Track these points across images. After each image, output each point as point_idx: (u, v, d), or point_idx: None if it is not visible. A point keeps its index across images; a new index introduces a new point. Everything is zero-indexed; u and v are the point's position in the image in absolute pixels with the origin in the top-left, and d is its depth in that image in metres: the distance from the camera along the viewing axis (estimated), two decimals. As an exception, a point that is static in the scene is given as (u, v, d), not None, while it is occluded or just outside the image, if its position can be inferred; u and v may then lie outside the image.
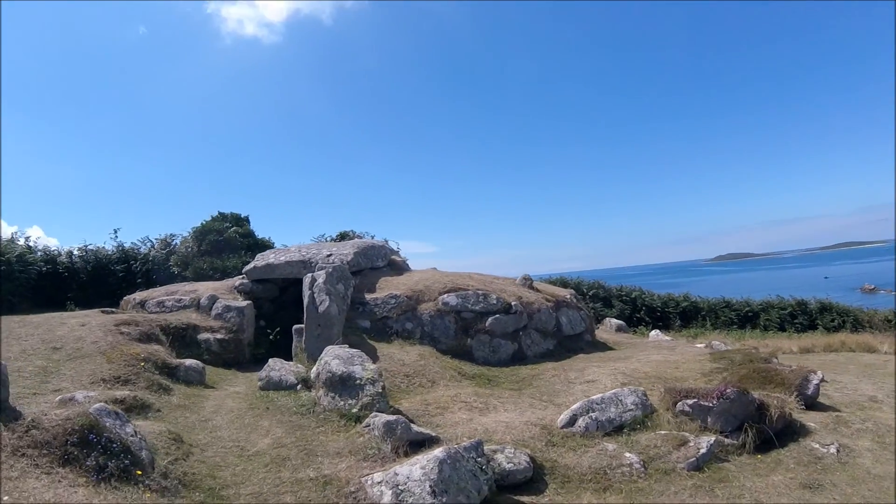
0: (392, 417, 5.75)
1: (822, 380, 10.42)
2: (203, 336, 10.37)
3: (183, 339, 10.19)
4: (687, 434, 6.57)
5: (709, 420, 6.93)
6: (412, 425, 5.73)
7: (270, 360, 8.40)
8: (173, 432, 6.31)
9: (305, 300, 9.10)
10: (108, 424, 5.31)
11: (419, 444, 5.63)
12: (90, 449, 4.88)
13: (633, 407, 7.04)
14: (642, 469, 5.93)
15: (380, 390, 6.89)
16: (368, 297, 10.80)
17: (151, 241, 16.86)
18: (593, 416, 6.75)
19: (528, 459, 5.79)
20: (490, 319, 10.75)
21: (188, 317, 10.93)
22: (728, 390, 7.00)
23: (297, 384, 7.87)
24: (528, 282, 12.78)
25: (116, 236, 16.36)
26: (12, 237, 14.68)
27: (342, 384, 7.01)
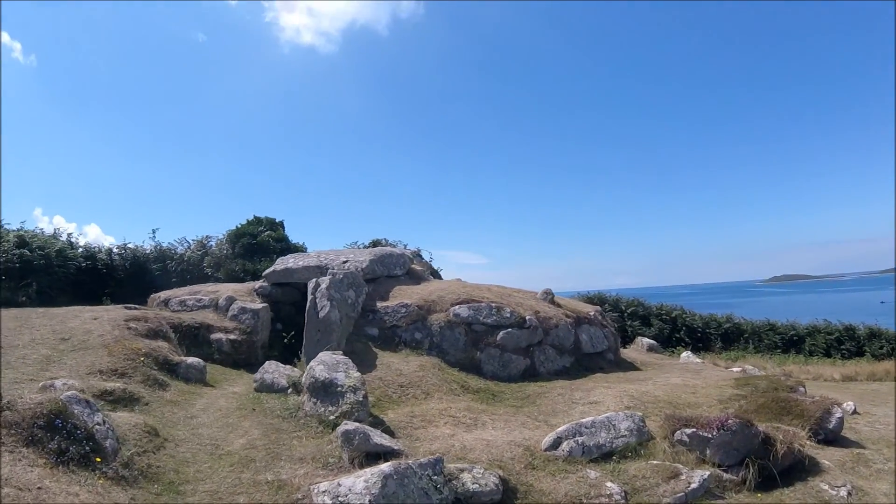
0: (352, 427, 5.57)
1: (855, 411, 9.72)
2: (216, 336, 10.52)
3: (195, 338, 10.36)
4: (680, 466, 6.11)
5: (707, 452, 6.42)
6: (372, 437, 5.53)
7: (266, 362, 8.42)
8: (150, 426, 6.38)
9: (307, 305, 9.11)
10: (76, 412, 5.42)
11: (378, 456, 5.44)
12: (55, 433, 5.09)
13: (626, 433, 6.61)
14: (622, 501, 5.52)
15: (360, 399, 6.76)
16: (380, 305, 10.70)
17: (188, 242, 17.44)
18: (580, 441, 6.36)
19: (497, 481, 5.48)
20: (502, 333, 10.42)
21: (205, 316, 11.12)
22: (730, 421, 6.47)
23: (287, 388, 7.83)
24: (548, 296, 12.42)
25: (154, 236, 17.00)
26: (54, 233, 15.45)
27: (324, 390, 6.91)
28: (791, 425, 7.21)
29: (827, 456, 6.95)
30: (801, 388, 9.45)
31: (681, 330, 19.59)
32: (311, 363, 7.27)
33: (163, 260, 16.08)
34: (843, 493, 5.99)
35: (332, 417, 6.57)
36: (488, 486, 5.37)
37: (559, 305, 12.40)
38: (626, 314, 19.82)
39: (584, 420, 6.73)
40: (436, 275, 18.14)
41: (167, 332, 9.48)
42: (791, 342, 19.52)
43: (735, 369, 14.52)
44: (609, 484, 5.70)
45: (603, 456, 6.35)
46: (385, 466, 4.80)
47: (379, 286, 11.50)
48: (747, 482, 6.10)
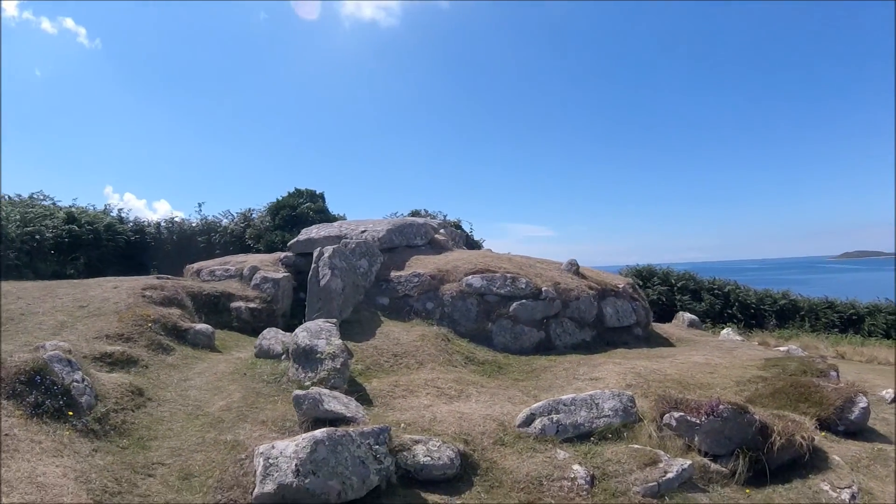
0: (302, 393, 5.56)
1: (894, 399, 8.89)
2: (236, 304, 10.81)
3: (216, 306, 10.68)
4: (661, 453, 5.64)
5: (696, 439, 5.91)
6: (323, 403, 5.46)
7: (266, 329, 8.56)
8: (135, 386, 6.64)
9: (310, 273, 9.21)
10: (55, 369, 5.74)
11: (329, 422, 5.42)
12: (33, 388, 5.49)
13: (610, 413, 6.21)
14: (586, 486, 5.19)
15: (338, 366, 6.75)
16: (393, 274, 10.65)
17: (232, 215, 18.00)
18: (554, 419, 6.04)
19: (453, 455, 5.31)
20: (515, 304, 10.14)
21: (228, 285, 11.43)
22: (721, 406, 5.92)
23: (282, 354, 7.96)
24: (573, 267, 12.01)
25: (200, 210, 17.68)
26: (105, 209, 16.35)
27: (305, 357, 6.95)
28: (806, 414, 6.77)
29: (841, 450, 6.36)
30: (834, 373, 8.61)
31: (733, 305, 18.55)
32: (297, 330, 7.34)
33: (207, 232, 16.71)
34: (846, 495, 5.41)
35: (307, 383, 6.62)
36: (441, 460, 5.22)
37: (584, 277, 11.98)
38: (675, 288, 19.02)
39: (563, 397, 6.39)
40: (475, 245, 18.00)
41: (182, 300, 9.82)
42: (850, 321, 18.14)
43: (781, 348, 13.67)
44: (576, 466, 5.38)
45: (580, 436, 6.01)
46: (318, 432, 4.71)
47: (396, 256, 11.46)
48: (736, 475, 5.60)
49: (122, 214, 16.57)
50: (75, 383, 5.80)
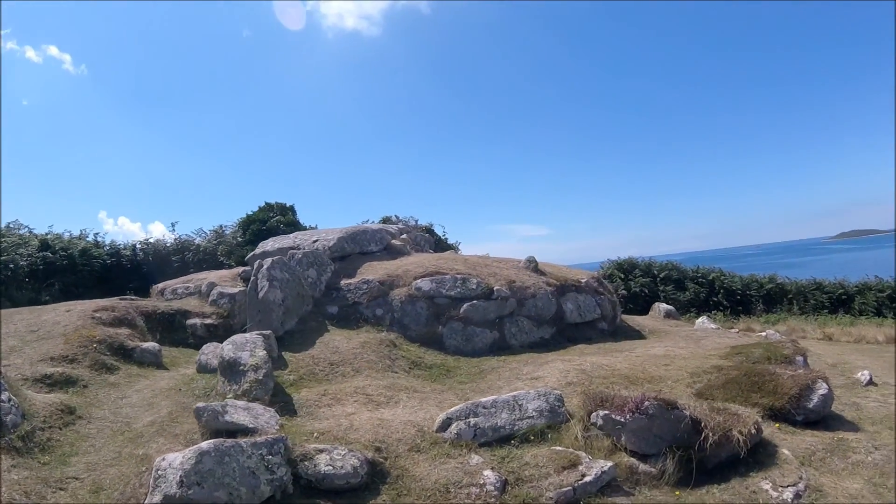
0: (203, 405, 5.68)
1: (870, 382, 8.73)
2: (191, 321, 11.00)
3: (171, 324, 10.87)
4: (582, 455, 5.53)
5: (622, 438, 5.73)
6: (224, 415, 5.51)
7: (205, 344, 8.77)
8: (66, 405, 6.81)
9: (248, 286, 9.41)
10: (-18, 390, 6.00)
11: (229, 433, 5.56)
12: None
13: (534, 414, 6.14)
14: (496, 493, 5.10)
15: (261, 377, 6.87)
16: (343, 282, 10.74)
17: (205, 232, 18.32)
18: (472, 422, 5.99)
19: (358, 464, 5.30)
20: (465, 305, 10.15)
21: (186, 303, 11.64)
22: (646, 402, 5.74)
23: (216, 368, 8.17)
24: (531, 264, 12.07)
25: (174, 229, 18.03)
26: (81, 234, 16.75)
27: (231, 369, 7.08)
28: (758, 405, 6.76)
29: (795, 443, 6.19)
30: (800, 358, 8.61)
31: (718, 293, 18.45)
32: (224, 343, 7.52)
33: (182, 251, 17.00)
34: (789, 494, 5.15)
35: (230, 396, 6.76)
36: (344, 469, 5.21)
37: (543, 273, 12.04)
38: (658, 279, 19.01)
39: (483, 399, 6.33)
40: (447, 249, 18.13)
41: (133, 320, 10.04)
42: (839, 301, 17.92)
43: (762, 334, 13.65)
44: (487, 472, 5.31)
45: (500, 440, 5.93)
46: (205, 444, 4.78)
47: (349, 263, 11.55)
48: (666, 476, 5.42)
49: (98, 238, 16.96)
50: (1, 403, 6.05)
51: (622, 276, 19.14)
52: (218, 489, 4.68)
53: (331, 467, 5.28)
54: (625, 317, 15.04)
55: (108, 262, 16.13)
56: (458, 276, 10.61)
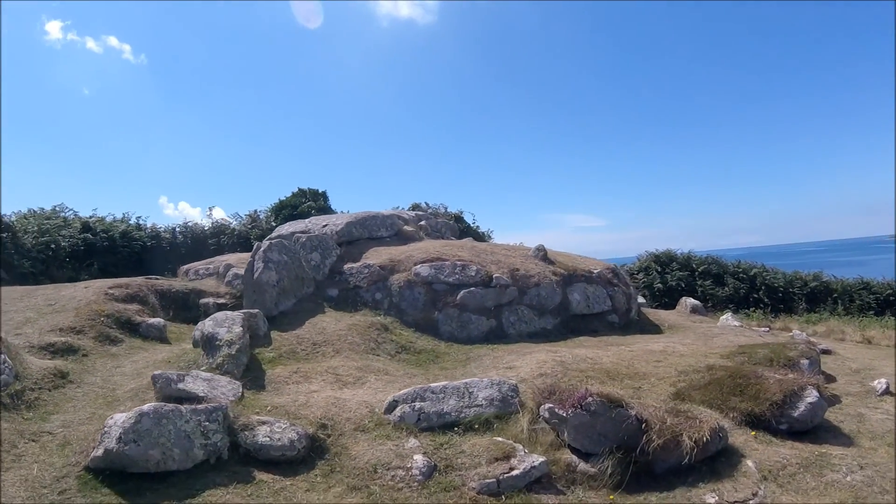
0: (159, 372, 6.22)
1: (886, 392, 8.20)
2: (205, 300, 11.59)
3: (185, 303, 11.50)
4: (518, 447, 5.52)
5: (565, 434, 5.65)
6: (177, 384, 5.97)
7: (201, 321, 9.34)
8: (60, 370, 7.37)
9: (246, 267, 9.90)
10: (-23, 353, 6.67)
11: (179, 399, 5.96)
12: None
13: (483, 403, 6.19)
14: (421, 477, 5.23)
15: (233, 352, 7.28)
16: (346, 266, 11.03)
17: (241, 216, 19.21)
18: (417, 406, 6.12)
19: (295, 438, 5.56)
20: (462, 292, 10.24)
21: (204, 283, 12.27)
22: (589, 398, 5.59)
23: (206, 344, 8.69)
24: (540, 252, 12.05)
25: (210, 213, 19.00)
26: (123, 217, 17.89)
27: (209, 343, 7.51)
28: (735, 409, 6.52)
29: (766, 455, 5.81)
30: (805, 361, 8.08)
31: (759, 289, 17.76)
32: (206, 319, 8.02)
33: (217, 235, 17.92)
34: None
35: (203, 368, 7.25)
36: (280, 442, 5.47)
37: (552, 262, 12.03)
38: (696, 273, 18.50)
39: (433, 385, 6.46)
40: (476, 237, 18.25)
41: (146, 297, 10.72)
42: (887, 303, 16.91)
43: (791, 334, 13.17)
44: (418, 457, 5.41)
45: (444, 426, 6.01)
46: (146, 406, 5.16)
47: (356, 248, 11.83)
48: (604, 477, 5.30)
49: (141, 222, 18.10)
50: None
51: (659, 268, 18.74)
52: (153, 448, 5.06)
53: (268, 439, 5.55)
54: (648, 310, 14.80)
55: (148, 244, 17.17)
56: (458, 263, 10.75)
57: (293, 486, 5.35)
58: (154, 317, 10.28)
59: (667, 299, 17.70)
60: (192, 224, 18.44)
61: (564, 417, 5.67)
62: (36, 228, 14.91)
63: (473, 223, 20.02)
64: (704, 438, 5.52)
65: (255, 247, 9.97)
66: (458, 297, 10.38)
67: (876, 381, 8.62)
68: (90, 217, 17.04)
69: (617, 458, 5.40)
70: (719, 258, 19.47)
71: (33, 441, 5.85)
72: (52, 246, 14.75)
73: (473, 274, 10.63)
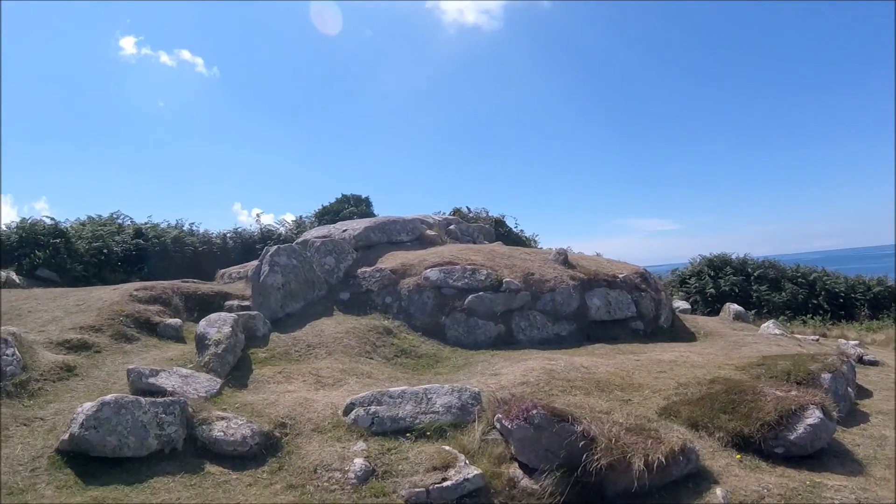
0: (132, 367, 6.66)
1: None
2: (229, 302, 12.08)
3: (211, 305, 11.99)
4: (461, 457, 5.45)
5: (512, 448, 5.55)
6: (147, 378, 6.42)
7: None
8: (68, 364, 7.93)
9: (252, 270, 10.35)
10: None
11: (148, 392, 6.36)
12: None
13: (440, 410, 6.19)
14: (355, 481, 5.31)
15: (220, 352, 7.62)
16: (360, 270, 11.22)
17: (287, 222, 19.97)
18: (371, 410, 6.19)
19: (249, 434, 5.78)
20: (470, 297, 10.24)
21: (233, 286, 12.84)
22: (534, 411, 5.38)
23: (204, 343, 9.14)
24: (560, 256, 11.88)
25: (259, 220, 19.86)
26: (177, 223, 19.04)
27: (200, 343, 7.86)
28: (722, 429, 6.17)
29: (745, 482, 5.41)
30: (826, 375, 7.51)
31: (819, 295, 16.72)
32: (202, 320, 8.49)
33: (265, 240, 18.72)
34: None
35: (190, 366, 7.70)
36: (234, 437, 5.73)
37: (573, 266, 11.85)
38: (752, 277, 17.65)
39: (392, 389, 6.51)
40: (520, 242, 18.17)
41: (169, 299, 11.36)
42: None
43: (839, 342, 12.39)
44: (358, 460, 5.50)
45: (397, 431, 6.06)
46: (109, 396, 5.54)
47: (374, 252, 12.02)
48: (545, 496, 5.12)
49: (194, 228, 19.21)
50: (5, 356, 7.35)
51: (712, 273, 18.02)
52: (110, 435, 5.45)
53: (222, 434, 5.79)
54: (687, 316, 14.30)
55: (200, 248, 18.17)
56: (469, 267, 10.78)
57: (237, 480, 5.56)
58: (175, 318, 10.91)
59: (719, 305, 17.04)
60: (242, 230, 19.39)
61: (510, 430, 5.56)
62: (90, 234, 16.13)
63: (516, 227, 20.00)
64: (658, 461, 5.15)
65: (265, 250, 10.41)
66: (466, 301, 10.40)
67: (904, 401, 7.83)
68: (144, 223, 18.25)
69: (558, 476, 5.20)
70: (777, 262, 18.54)
71: (24, 425, 6.33)
72: (105, 251, 15.90)
73: (483, 278, 10.64)
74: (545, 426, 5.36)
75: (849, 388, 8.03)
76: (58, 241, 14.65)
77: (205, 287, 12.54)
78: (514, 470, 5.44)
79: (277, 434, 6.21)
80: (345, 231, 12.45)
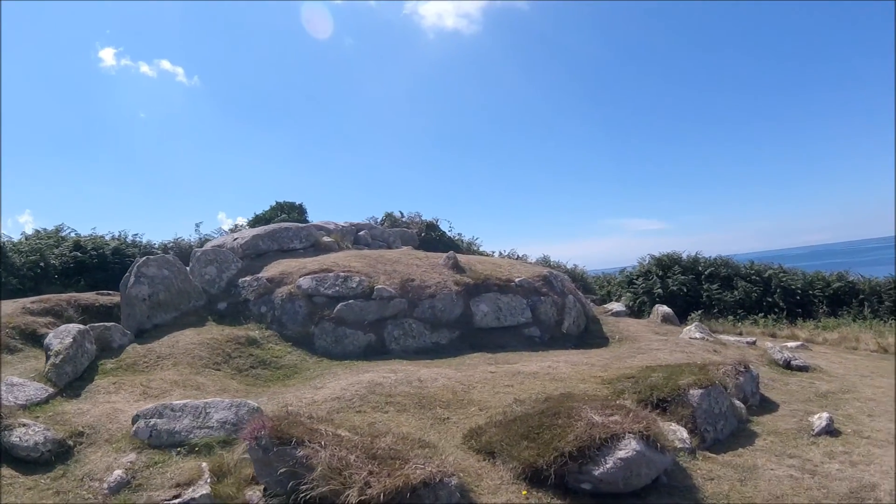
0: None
1: (827, 430, 7.68)
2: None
3: (110, 317, 13.23)
4: (205, 476, 5.88)
5: (254, 468, 5.77)
6: None
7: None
8: None
9: (122, 281, 11.47)
10: None
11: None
12: None
13: (215, 425, 6.76)
14: (108, 492, 5.99)
15: (58, 362, 8.43)
16: (241, 279, 11.96)
17: (224, 231, 20.98)
18: (152, 423, 6.80)
19: (41, 441, 6.57)
20: (340, 305, 10.98)
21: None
22: (262, 432, 5.44)
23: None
24: (450, 261, 12.58)
25: (198, 230, 21.09)
26: (119, 235, 20.39)
27: (46, 353, 8.76)
28: (520, 458, 5.82)
29: None
30: (696, 392, 7.39)
31: (774, 292, 17.03)
32: (52, 331, 9.61)
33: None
34: None
35: (32, 376, 8.55)
36: (27, 443, 6.54)
37: (462, 270, 12.58)
38: (702, 276, 18.02)
39: (175, 402, 7.06)
40: (451, 246, 18.86)
41: (63, 311, 12.60)
42: None
43: (771, 347, 12.75)
44: (117, 472, 6.18)
45: (173, 445, 6.56)
46: None
47: (263, 261, 12.85)
48: None
49: (136, 239, 20.52)
50: None
51: (660, 273, 18.46)
52: None
53: (18, 439, 6.60)
54: (610, 319, 14.80)
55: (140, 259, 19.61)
56: (341, 274, 11.59)
57: (21, 483, 6.29)
58: (51, 327, 12.05)
59: (668, 305, 17.51)
60: (181, 240, 20.64)
61: (248, 450, 5.68)
62: (27, 248, 17.62)
63: (450, 230, 20.71)
64: (382, 494, 4.87)
65: (134, 260, 11.54)
66: (335, 310, 11.08)
67: (816, 416, 7.91)
68: (87, 236, 19.66)
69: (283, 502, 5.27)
70: (730, 260, 18.93)
71: None
72: (42, 264, 17.33)
73: (355, 286, 11.43)
74: (270, 448, 5.39)
75: (736, 403, 8.00)
76: (-7, 256, 16.11)
77: (104, 299, 13.71)
78: (256, 493, 5.59)
79: (71, 442, 6.95)
80: (235, 239, 13.48)
